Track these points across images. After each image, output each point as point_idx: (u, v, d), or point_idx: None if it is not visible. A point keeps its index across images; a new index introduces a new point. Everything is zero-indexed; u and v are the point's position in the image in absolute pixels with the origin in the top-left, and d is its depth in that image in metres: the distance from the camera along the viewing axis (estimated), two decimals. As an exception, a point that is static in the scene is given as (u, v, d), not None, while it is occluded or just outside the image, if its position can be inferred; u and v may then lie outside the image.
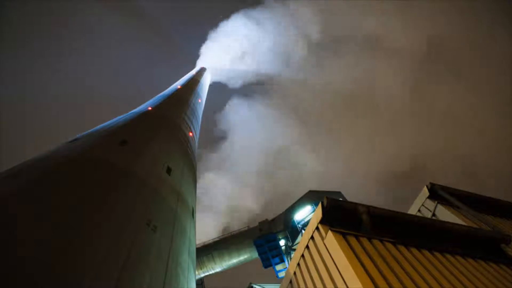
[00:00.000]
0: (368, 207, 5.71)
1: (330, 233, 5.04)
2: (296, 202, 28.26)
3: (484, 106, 62.63)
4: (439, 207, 9.42)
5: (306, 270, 5.58)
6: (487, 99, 63.19)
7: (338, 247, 4.69)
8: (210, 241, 29.45)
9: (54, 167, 6.94)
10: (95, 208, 5.81)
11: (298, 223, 27.10)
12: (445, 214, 9.16)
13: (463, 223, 8.43)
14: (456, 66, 66.12)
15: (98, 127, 11.38)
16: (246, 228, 29.95)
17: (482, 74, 64.05)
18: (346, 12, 69.45)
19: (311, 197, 27.68)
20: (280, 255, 27.39)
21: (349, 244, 4.83)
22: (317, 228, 5.47)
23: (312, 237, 5.61)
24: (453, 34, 65.86)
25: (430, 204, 9.69)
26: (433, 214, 9.45)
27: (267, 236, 27.52)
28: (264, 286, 23.24)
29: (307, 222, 26.46)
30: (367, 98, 69.34)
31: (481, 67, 64.46)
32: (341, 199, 24.47)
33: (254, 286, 22.87)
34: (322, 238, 5.22)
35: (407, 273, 4.85)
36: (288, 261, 27.28)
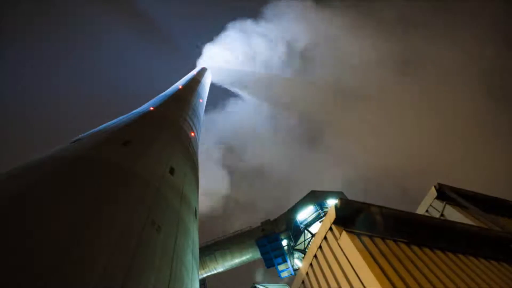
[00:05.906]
0: (381, 207, 5.61)
1: (344, 233, 4.94)
2: (298, 202, 28.11)
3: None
4: (448, 207, 9.32)
5: (319, 270, 5.48)
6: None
7: (353, 247, 4.60)
8: (212, 241, 29.29)
9: (56, 167, 6.83)
10: (99, 208, 5.70)
11: (301, 223, 26.95)
12: (453, 214, 9.06)
13: (472, 223, 8.34)
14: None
15: (101, 127, 11.29)
16: (248, 228, 29.80)
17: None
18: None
19: (313, 197, 27.54)
20: (283, 255, 27.27)
21: (364, 245, 4.74)
22: (330, 228, 5.36)
23: (325, 238, 5.51)
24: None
25: (438, 204, 9.58)
26: (441, 214, 9.34)
27: (269, 236, 27.39)
28: (267, 286, 23.02)
29: (310, 222, 26.31)
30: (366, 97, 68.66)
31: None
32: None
33: (257, 286, 22.64)
34: (336, 239, 5.11)
35: (422, 273, 4.76)
36: (290, 261, 27.15)
